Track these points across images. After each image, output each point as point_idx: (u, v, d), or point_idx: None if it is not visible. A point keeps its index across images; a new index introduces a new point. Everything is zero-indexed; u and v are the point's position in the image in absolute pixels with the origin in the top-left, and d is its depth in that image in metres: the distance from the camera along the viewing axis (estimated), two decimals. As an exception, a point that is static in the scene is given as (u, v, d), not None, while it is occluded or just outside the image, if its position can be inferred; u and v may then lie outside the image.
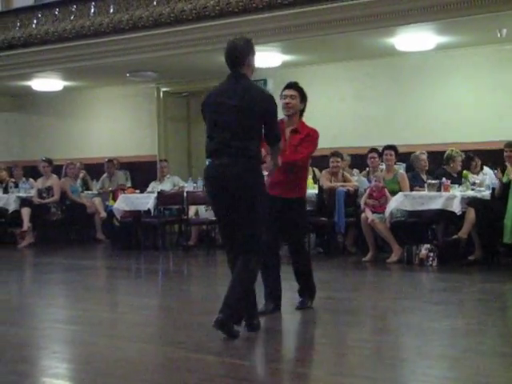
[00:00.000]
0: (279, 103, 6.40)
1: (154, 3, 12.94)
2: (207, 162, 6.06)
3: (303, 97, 6.81)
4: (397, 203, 10.11)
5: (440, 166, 10.90)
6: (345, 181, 11.25)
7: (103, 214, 13.60)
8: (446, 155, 10.81)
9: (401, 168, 11.45)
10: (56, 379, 4.91)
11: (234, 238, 5.90)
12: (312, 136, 6.79)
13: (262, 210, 5.86)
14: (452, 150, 10.80)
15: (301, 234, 7.14)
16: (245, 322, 5.93)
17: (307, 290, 6.96)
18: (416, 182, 10.63)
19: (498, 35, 11.07)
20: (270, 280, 6.72)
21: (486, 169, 11.07)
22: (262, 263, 6.09)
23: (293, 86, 6.81)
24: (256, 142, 5.85)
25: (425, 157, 11.02)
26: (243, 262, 5.79)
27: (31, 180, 14.69)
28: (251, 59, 6.08)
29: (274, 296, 6.74)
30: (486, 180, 10.50)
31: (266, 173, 6.20)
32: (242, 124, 5.79)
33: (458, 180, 10.34)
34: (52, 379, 4.92)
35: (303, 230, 7.36)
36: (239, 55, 5.99)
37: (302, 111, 6.87)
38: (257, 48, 12.71)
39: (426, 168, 11.04)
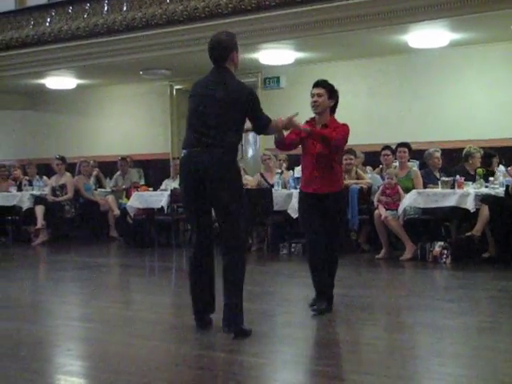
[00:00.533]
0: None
1: (167, 1, 12.95)
2: (183, 153, 6.08)
3: (332, 93, 6.74)
4: (410, 200, 10.08)
5: (455, 163, 10.87)
6: (358, 178, 11.23)
7: (116, 212, 13.63)
8: (464, 152, 10.79)
9: (414, 165, 11.42)
10: (70, 376, 4.93)
11: (204, 228, 5.96)
12: (343, 128, 6.78)
13: (237, 203, 5.87)
14: (470, 147, 10.75)
15: (338, 231, 6.91)
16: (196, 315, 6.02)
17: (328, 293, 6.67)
18: (429, 180, 10.60)
19: (512, 31, 11.04)
20: (320, 280, 6.61)
21: (500, 166, 11.03)
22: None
23: (319, 83, 6.73)
24: (234, 135, 5.91)
25: (438, 154, 10.97)
26: (231, 263, 5.82)
27: (45, 178, 14.75)
28: (235, 54, 6.14)
29: (327, 295, 6.62)
30: (499, 177, 10.46)
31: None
32: (223, 116, 5.87)
33: (476, 177, 10.30)
34: (66, 376, 4.93)
35: (340, 227, 7.04)
36: (222, 50, 6.10)
37: (333, 108, 6.82)
38: (269, 45, 12.82)
39: (439, 166, 10.99)
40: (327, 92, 6.70)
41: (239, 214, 5.88)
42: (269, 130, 6.24)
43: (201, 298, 6.04)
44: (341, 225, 6.99)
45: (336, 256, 6.73)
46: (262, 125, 6.08)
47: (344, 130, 6.79)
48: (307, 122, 6.74)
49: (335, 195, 6.69)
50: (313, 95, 6.71)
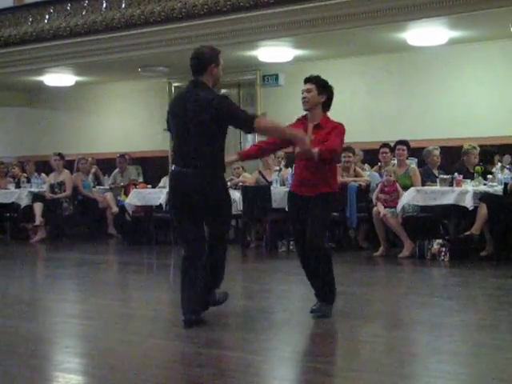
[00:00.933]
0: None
1: (166, -2, 12.95)
2: (173, 167, 6.25)
3: (323, 89, 6.50)
4: (409, 198, 10.09)
5: (454, 161, 10.87)
6: (357, 176, 11.23)
7: (115, 209, 13.63)
8: (462, 150, 10.81)
9: (413, 163, 11.41)
10: (68, 374, 4.92)
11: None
12: (338, 129, 6.54)
13: (227, 213, 6.40)
14: (469, 145, 10.74)
15: (319, 232, 6.47)
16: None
17: (324, 294, 6.48)
18: (427, 178, 10.60)
19: (511, 29, 11.02)
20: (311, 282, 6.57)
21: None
22: None
23: (309, 79, 6.58)
24: (214, 151, 6.06)
25: (437, 152, 10.94)
26: (220, 250, 6.24)
27: (43, 175, 14.74)
28: (213, 68, 6.15)
29: (324, 297, 6.48)
30: (498, 175, 10.46)
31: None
32: (197, 135, 6.00)
33: (471, 175, 10.31)
34: (64, 374, 4.93)
35: (322, 228, 6.57)
36: (201, 62, 6.13)
37: (326, 104, 6.58)
38: (268, 43, 12.83)
39: (438, 163, 10.97)
40: (317, 87, 6.46)
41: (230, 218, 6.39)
42: (267, 132, 6.33)
43: (192, 301, 6.18)
44: (325, 223, 6.56)
45: (324, 255, 6.40)
46: (243, 121, 6.08)
47: (339, 131, 6.55)
48: (299, 119, 6.62)
49: (325, 195, 6.42)
50: (302, 91, 6.57)
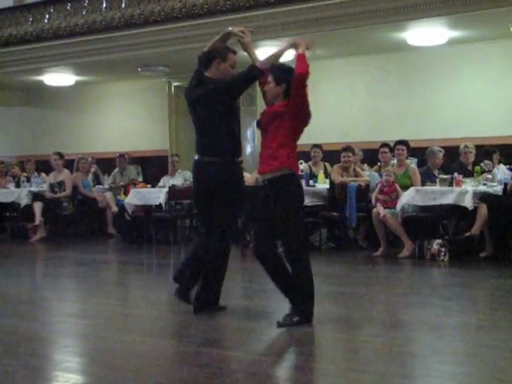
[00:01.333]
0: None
1: (165, -3, 12.96)
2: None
3: (280, 78, 6.03)
4: (408, 198, 10.08)
5: (453, 160, 10.87)
6: (356, 176, 11.23)
7: (115, 209, 13.63)
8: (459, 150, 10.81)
9: (412, 163, 11.41)
10: (68, 373, 4.92)
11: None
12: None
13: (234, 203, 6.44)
14: (464, 145, 10.73)
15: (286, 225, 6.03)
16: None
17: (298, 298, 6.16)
18: (427, 178, 10.58)
19: (511, 29, 11.03)
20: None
21: (501, 164, 11.02)
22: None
23: (269, 69, 6.23)
24: (219, 138, 6.27)
25: (441, 155, 10.80)
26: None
27: (43, 174, 14.74)
28: (219, 64, 6.38)
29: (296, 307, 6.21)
30: (497, 175, 10.47)
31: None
32: (205, 119, 6.32)
33: (470, 174, 10.31)
34: (64, 373, 4.93)
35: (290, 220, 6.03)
36: (205, 57, 6.40)
37: (286, 93, 6.03)
38: (267, 43, 12.82)
39: (439, 166, 10.88)
40: (274, 78, 6.10)
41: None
42: (263, 65, 6.31)
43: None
44: (290, 217, 6.00)
45: (292, 258, 6.08)
46: (246, 76, 6.33)
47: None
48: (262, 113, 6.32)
49: (276, 178, 5.98)
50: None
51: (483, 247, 9.86)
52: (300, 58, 6.00)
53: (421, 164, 11.44)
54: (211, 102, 6.26)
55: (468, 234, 9.63)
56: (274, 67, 6.20)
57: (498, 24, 11.11)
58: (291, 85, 5.93)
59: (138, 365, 5.05)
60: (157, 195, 12.45)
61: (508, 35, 11.54)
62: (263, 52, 12.76)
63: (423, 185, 10.45)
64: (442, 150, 10.88)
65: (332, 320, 6.47)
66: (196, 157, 6.44)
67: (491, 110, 12.36)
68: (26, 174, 14.89)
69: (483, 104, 12.46)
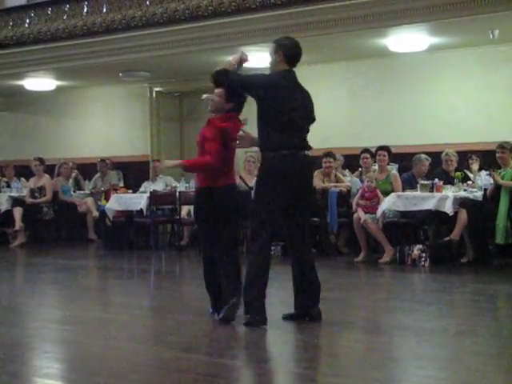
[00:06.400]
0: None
1: (147, 3, 12.93)
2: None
3: (231, 98, 6.55)
4: (389, 203, 10.11)
5: (434, 166, 10.90)
6: (337, 181, 11.26)
7: (95, 213, 13.58)
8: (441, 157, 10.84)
9: (393, 169, 11.45)
10: (47, 379, 4.90)
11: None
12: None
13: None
14: (446, 153, 10.73)
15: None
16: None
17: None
18: (408, 185, 10.57)
19: (491, 36, 11.10)
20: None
21: (482, 171, 11.06)
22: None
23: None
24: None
25: (428, 163, 10.83)
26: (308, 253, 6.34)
27: (23, 179, 14.69)
28: None
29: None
30: (478, 181, 10.52)
31: None
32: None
33: (452, 181, 10.35)
34: (43, 379, 4.90)
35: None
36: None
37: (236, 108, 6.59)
38: (250, 48, 12.82)
39: (424, 174, 10.84)
40: (226, 95, 6.53)
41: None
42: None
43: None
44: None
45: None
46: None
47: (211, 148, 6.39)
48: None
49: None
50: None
51: (463, 252, 9.91)
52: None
53: (402, 170, 11.48)
54: None
55: (447, 238, 9.68)
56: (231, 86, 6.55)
57: (479, 31, 11.17)
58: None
59: (118, 370, 5.03)
60: (138, 200, 12.43)
61: (488, 42, 11.60)
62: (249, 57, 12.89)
63: (404, 191, 10.48)
64: (429, 159, 10.86)
65: (312, 325, 6.47)
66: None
67: (472, 116, 12.42)
68: (5, 179, 14.81)
69: (464, 110, 12.51)
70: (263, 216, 6.19)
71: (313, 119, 6.34)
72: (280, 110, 6.15)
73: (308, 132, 6.29)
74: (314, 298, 6.30)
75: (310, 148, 6.24)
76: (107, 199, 13.14)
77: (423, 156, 10.87)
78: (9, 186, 14.52)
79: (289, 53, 6.34)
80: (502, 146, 9.80)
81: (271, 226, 6.18)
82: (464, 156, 11.13)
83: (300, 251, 6.26)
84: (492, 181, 9.80)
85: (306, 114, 6.27)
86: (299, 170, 6.11)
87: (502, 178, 9.55)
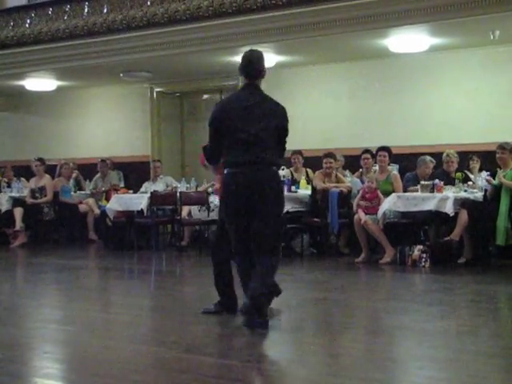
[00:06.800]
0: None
1: (148, 3, 12.93)
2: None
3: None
4: (390, 204, 10.11)
5: (435, 167, 10.89)
6: (338, 182, 11.25)
7: (97, 212, 13.57)
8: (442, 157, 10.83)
9: (394, 169, 11.45)
10: (47, 379, 4.90)
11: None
12: None
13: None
14: (447, 154, 10.72)
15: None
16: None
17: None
18: (412, 184, 10.56)
19: (491, 37, 11.09)
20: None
21: (483, 171, 11.05)
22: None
23: None
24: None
25: (432, 165, 10.80)
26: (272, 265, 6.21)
27: (22, 179, 14.70)
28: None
29: None
30: (478, 181, 10.51)
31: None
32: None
33: (453, 182, 10.34)
34: (43, 379, 4.90)
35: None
36: (261, 67, 6.28)
37: None
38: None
39: (427, 176, 10.81)
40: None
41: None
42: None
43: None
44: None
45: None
46: (284, 145, 6.45)
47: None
48: None
49: None
50: None
51: (463, 253, 9.91)
52: None
53: (403, 170, 11.48)
54: None
55: (447, 238, 9.69)
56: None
57: (479, 31, 11.17)
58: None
59: (118, 371, 5.02)
60: (138, 201, 12.43)
61: (489, 43, 11.60)
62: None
63: (405, 189, 10.49)
64: (434, 161, 10.85)
65: (313, 326, 6.47)
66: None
67: (472, 117, 12.41)
68: (6, 180, 14.81)
69: (464, 111, 12.51)
70: (224, 229, 6.42)
71: (277, 129, 6.20)
72: (228, 131, 6.15)
73: (268, 145, 6.13)
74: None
75: (271, 162, 6.17)
76: (108, 199, 13.14)
77: (428, 158, 10.86)
78: (9, 186, 14.53)
79: (241, 66, 6.29)
80: (502, 146, 9.80)
81: (241, 244, 6.26)
82: (465, 157, 11.12)
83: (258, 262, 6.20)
84: (488, 183, 9.80)
85: (265, 126, 6.11)
86: (249, 186, 6.07)
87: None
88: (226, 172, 6.22)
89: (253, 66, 6.22)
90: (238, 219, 6.19)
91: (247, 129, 6.08)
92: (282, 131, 6.25)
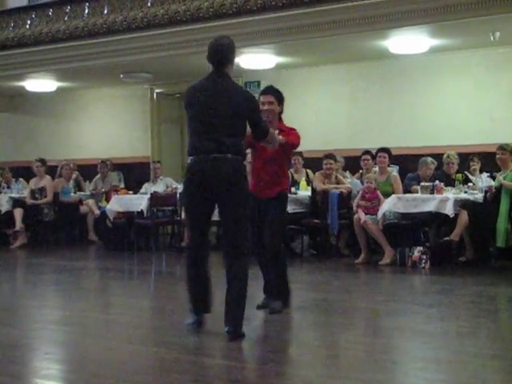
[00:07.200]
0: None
1: (148, 4, 12.93)
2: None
3: (280, 100, 6.90)
4: (390, 205, 10.11)
5: (435, 168, 10.91)
6: (338, 183, 11.25)
7: (97, 212, 13.57)
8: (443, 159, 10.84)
9: (394, 170, 11.45)
10: (48, 380, 4.90)
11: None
12: (294, 132, 6.93)
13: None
14: (447, 155, 10.73)
15: (278, 233, 6.96)
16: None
17: (283, 293, 6.95)
18: (414, 183, 10.59)
19: (491, 38, 11.09)
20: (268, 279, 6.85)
21: (484, 173, 11.05)
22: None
23: (269, 91, 6.89)
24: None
25: (433, 167, 10.86)
26: (237, 271, 6.12)
27: (21, 180, 14.70)
28: (233, 59, 6.22)
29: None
30: (479, 183, 10.52)
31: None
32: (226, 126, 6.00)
33: (453, 183, 10.35)
34: (44, 380, 4.90)
35: (280, 229, 7.06)
36: (226, 53, 6.11)
37: (280, 113, 6.98)
38: (250, 50, 12.87)
39: (428, 177, 10.82)
40: (276, 98, 6.86)
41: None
42: (267, 140, 6.36)
43: (198, 298, 6.27)
44: (283, 224, 7.10)
45: (281, 256, 6.92)
46: (261, 129, 6.21)
47: (297, 133, 6.94)
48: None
49: (279, 196, 6.88)
50: (263, 103, 6.80)
51: (463, 253, 9.91)
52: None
53: (403, 171, 11.48)
54: None
55: (447, 238, 9.69)
56: (277, 91, 6.89)
57: (480, 33, 11.16)
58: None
59: (118, 372, 5.03)
60: (138, 202, 12.43)
61: (489, 44, 11.60)
62: (245, 59, 12.90)
63: (408, 188, 10.50)
64: (435, 162, 10.89)
65: (313, 327, 6.47)
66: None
67: (473, 118, 12.41)
68: (5, 181, 14.80)
69: (465, 112, 12.51)
70: (187, 222, 6.42)
71: (239, 115, 5.98)
72: (191, 117, 6.10)
73: (228, 133, 5.94)
74: (230, 318, 5.95)
75: (228, 150, 5.94)
76: (108, 200, 13.14)
77: (429, 159, 10.88)
78: (9, 186, 14.52)
79: (207, 54, 6.20)
80: (503, 147, 9.81)
81: (194, 233, 6.22)
82: (465, 158, 11.13)
83: (227, 260, 6.17)
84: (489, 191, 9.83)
85: (223, 114, 5.94)
86: (210, 174, 5.91)
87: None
88: (189, 160, 6.12)
89: (216, 54, 6.09)
90: (194, 208, 6.09)
91: (202, 117, 5.99)
92: (250, 116, 6.07)
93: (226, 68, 6.09)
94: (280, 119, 6.97)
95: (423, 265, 9.72)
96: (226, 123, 5.95)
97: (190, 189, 6.07)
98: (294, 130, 6.94)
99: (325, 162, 11.25)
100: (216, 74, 6.09)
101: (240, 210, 5.98)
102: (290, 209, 10.71)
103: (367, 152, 11.56)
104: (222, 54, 6.08)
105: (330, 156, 11.29)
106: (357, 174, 12.06)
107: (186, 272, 6.36)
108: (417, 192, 10.27)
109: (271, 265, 6.88)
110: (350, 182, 11.52)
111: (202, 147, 5.95)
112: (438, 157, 10.98)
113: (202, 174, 5.93)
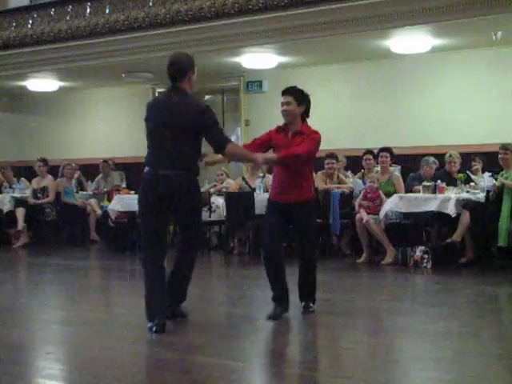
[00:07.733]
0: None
1: (150, 4, 12.93)
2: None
3: (301, 100, 6.71)
4: (392, 205, 10.10)
5: (437, 168, 10.90)
6: (340, 182, 11.25)
7: (99, 212, 13.57)
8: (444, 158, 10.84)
9: (396, 170, 11.44)
10: (49, 380, 4.90)
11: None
12: (312, 137, 6.67)
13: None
14: (449, 155, 10.73)
15: (314, 242, 7.02)
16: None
17: (310, 295, 6.90)
18: (417, 183, 10.58)
19: (494, 38, 11.09)
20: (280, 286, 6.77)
21: (486, 172, 11.04)
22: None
23: (287, 91, 6.75)
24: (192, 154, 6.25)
25: (435, 166, 10.86)
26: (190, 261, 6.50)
27: (22, 179, 14.71)
28: (192, 75, 6.28)
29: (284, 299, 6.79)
30: (481, 183, 10.50)
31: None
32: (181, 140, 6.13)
33: (455, 182, 10.34)
34: (45, 380, 4.91)
35: (315, 236, 7.14)
36: (180, 68, 6.23)
37: (304, 113, 6.78)
38: (252, 49, 12.85)
39: (430, 177, 10.82)
40: (295, 99, 6.68)
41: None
42: (235, 158, 6.68)
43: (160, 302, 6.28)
44: (313, 229, 6.92)
45: (314, 258, 6.85)
46: (216, 142, 6.21)
47: (312, 140, 6.68)
48: (279, 127, 6.78)
49: (305, 203, 6.69)
50: (282, 104, 6.72)
51: (464, 253, 9.91)
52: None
53: (405, 171, 11.47)
54: None
55: (449, 240, 9.69)
56: (297, 91, 6.74)
57: (481, 32, 11.16)
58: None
59: (120, 372, 5.02)
60: (140, 201, 12.40)
61: (490, 43, 11.59)
62: (247, 58, 12.90)
63: (410, 188, 10.49)
64: (437, 162, 10.88)
65: (315, 326, 6.47)
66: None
67: (475, 118, 12.40)
68: (6, 181, 14.80)
69: (466, 112, 12.50)
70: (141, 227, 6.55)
71: (190, 129, 6.09)
72: (148, 131, 6.32)
73: (178, 148, 6.09)
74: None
75: (183, 166, 6.15)
76: (110, 200, 13.13)
77: (431, 159, 10.87)
78: (11, 186, 14.52)
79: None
80: (505, 147, 9.80)
81: (148, 236, 6.33)
82: (467, 157, 11.11)
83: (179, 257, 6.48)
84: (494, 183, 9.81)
85: (174, 128, 6.08)
86: (163, 190, 6.17)
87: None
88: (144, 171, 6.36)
89: (172, 68, 6.23)
90: (146, 216, 6.31)
91: (155, 132, 6.20)
92: (203, 130, 6.13)
93: (182, 83, 6.19)
94: (304, 120, 6.78)
95: (425, 264, 9.72)
96: (178, 137, 6.08)
97: (144, 201, 6.36)
98: (315, 133, 6.70)
99: (327, 161, 11.25)
100: (171, 89, 6.27)
101: (195, 217, 6.38)
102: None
103: (369, 152, 11.55)
104: (176, 69, 6.21)
105: (331, 156, 11.28)
106: (359, 174, 12.05)
107: (145, 275, 6.43)
108: (419, 192, 10.27)
109: (309, 271, 6.79)
110: (351, 181, 11.51)
111: (155, 162, 6.21)
112: (440, 156, 10.96)
113: (155, 190, 6.20)
